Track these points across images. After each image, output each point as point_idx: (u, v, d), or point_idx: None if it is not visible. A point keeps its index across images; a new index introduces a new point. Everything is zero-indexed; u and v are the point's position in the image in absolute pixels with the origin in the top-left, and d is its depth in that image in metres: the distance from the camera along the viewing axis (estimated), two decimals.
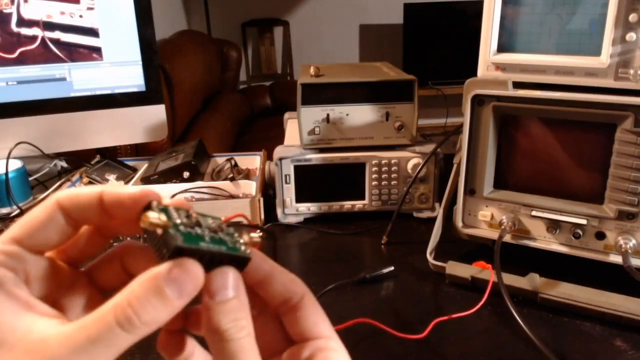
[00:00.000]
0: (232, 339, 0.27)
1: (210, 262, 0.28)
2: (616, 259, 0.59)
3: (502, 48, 0.64)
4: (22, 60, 0.92)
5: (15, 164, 0.90)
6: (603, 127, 0.58)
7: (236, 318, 0.27)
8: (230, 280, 0.28)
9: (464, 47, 3.35)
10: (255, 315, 0.30)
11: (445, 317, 0.56)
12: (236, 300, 0.27)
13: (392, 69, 0.93)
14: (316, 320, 0.30)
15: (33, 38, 0.92)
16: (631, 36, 0.55)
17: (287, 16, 3.86)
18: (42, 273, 0.28)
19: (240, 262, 0.29)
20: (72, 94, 0.97)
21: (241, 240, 0.29)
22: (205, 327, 0.28)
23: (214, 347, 0.27)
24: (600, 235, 0.61)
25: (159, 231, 0.26)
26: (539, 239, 0.65)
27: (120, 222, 0.30)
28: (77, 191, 0.28)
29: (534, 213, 0.63)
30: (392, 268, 0.67)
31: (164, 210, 0.28)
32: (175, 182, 0.91)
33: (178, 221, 0.28)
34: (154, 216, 0.26)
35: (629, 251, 0.57)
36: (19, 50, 0.92)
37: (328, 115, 0.80)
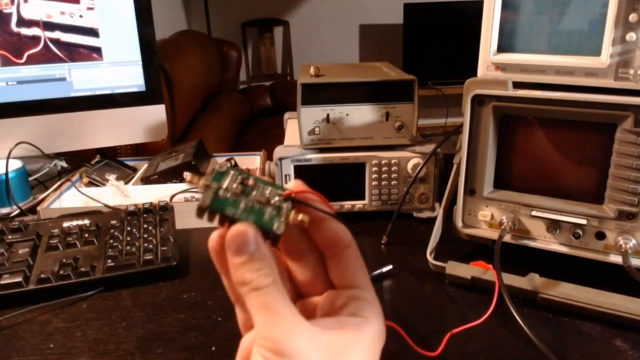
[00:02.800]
0: (259, 287, 0.30)
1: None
2: (616, 259, 0.59)
3: (502, 48, 0.64)
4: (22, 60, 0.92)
5: (15, 164, 0.90)
6: (603, 127, 0.58)
7: (260, 268, 0.30)
8: (249, 237, 0.30)
9: (464, 47, 3.36)
10: (306, 251, 0.34)
11: (458, 329, 0.54)
12: (257, 253, 0.30)
13: (392, 69, 0.93)
14: (355, 271, 0.33)
15: (36, 41, 0.92)
16: (631, 36, 0.55)
17: (287, 16, 3.86)
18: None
19: (273, 236, 0.32)
20: (72, 94, 0.97)
21: (284, 219, 0.32)
22: (234, 282, 0.31)
23: (246, 299, 0.30)
24: (600, 235, 0.61)
25: (199, 188, 0.32)
26: (539, 239, 0.65)
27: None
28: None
29: (534, 213, 0.63)
30: (390, 267, 0.67)
31: (222, 173, 0.33)
32: (175, 182, 0.91)
33: (224, 186, 0.32)
34: (190, 175, 0.32)
35: (629, 251, 0.57)
36: (26, 55, 0.92)
37: (328, 115, 0.80)
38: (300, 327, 0.29)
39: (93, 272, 0.66)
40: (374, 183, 0.81)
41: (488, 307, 0.57)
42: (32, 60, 0.93)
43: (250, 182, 0.33)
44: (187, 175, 0.32)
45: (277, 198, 0.33)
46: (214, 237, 0.32)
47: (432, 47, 3.71)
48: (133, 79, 0.99)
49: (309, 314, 0.34)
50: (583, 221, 0.61)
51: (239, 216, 0.31)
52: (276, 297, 0.30)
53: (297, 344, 0.29)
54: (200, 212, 0.31)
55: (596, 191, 0.60)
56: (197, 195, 0.85)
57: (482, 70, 0.65)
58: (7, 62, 0.92)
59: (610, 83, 0.58)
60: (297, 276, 0.35)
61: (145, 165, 1.03)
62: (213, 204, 0.31)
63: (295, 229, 0.34)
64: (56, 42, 0.93)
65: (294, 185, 0.34)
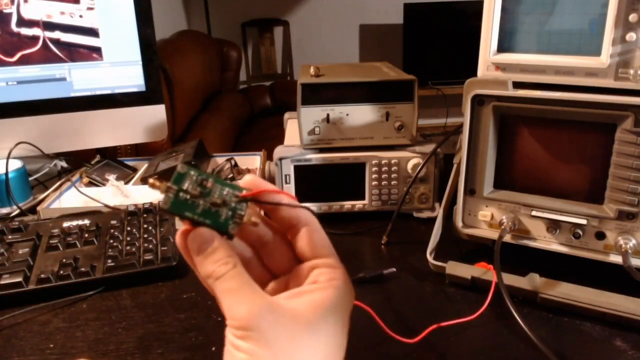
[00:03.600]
0: (220, 275, 0.33)
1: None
2: (616, 259, 0.59)
3: (502, 48, 0.64)
4: (22, 60, 0.92)
5: (15, 164, 0.90)
6: (603, 127, 0.58)
7: (218, 258, 0.33)
8: (207, 237, 0.34)
9: (464, 47, 3.35)
10: (268, 236, 0.38)
11: (447, 323, 0.55)
12: (215, 247, 0.34)
13: (392, 69, 0.93)
14: (316, 244, 0.36)
15: (34, 40, 0.92)
16: (631, 36, 0.55)
17: (287, 16, 3.86)
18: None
19: (227, 235, 0.35)
20: (72, 94, 0.97)
21: (237, 220, 0.34)
22: (200, 276, 0.35)
23: (214, 289, 0.33)
24: (600, 235, 0.61)
25: (161, 192, 0.34)
26: (539, 239, 0.65)
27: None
28: None
29: (534, 213, 0.63)
30: (394, 269, 0.67)
31: (183, 174, 0.34)
32: None
33: (184, 188, 0.34)
34: (152, 181, 0.34)
35: (629, 251, 0.57)
36: (19, 54, 0.91)
37: (328, 115, 0.80)
38: (261, 302, 0.32)
39: (93, 272, 0.66)
40: (374, 183, 0.81)
41: (487, 306, 0.57)
42: (32, 60, 0.93)
43: (209, 184, 0.35)
44: (150, 180, 0.34)
45: (233, 199, 0.35)
46: (178, 235, 0.35)
47: (432, 47, 3.71)
48: (133, 79, 0.99)
49: (282, 290, 0.37)
50: (583, 221, 0.61)
51: (196, 218, 0.34)
52: (236, 280, 0.33)
53: (260, 317, 0.31)
54: (162, 212, 0.34)
55: (596, 191, 0.60)
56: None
57: (482, 70, 0.65)
58: (7, 62, 0.92)
59: (610, 83, 0.58)
60: (266, 258, 0.39)
61: (145, 165, 1.03)
62: (172, 207, 0.34)
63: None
64: (56, 42, 0.93)
65: (248, 182, 0.36)
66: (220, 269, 0.33)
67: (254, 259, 0.38)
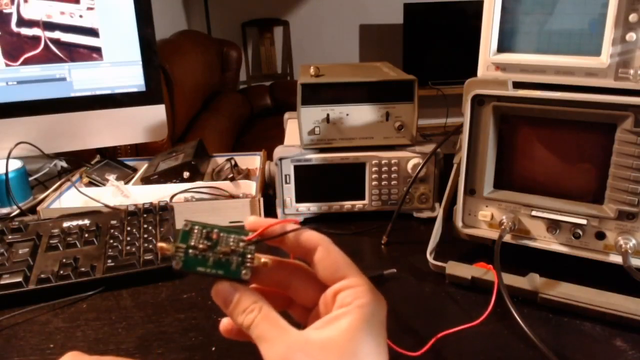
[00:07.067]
0: (249, 324, 0.34)
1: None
2: (616, 259, 0.59)
3: (502, 48, 0.64)
4: (23, 61, 0.92)
5: (15, 164, 0.90)
6: (603, 127, 0.58)
7: (244, 309, 0.35)
8: (227, 291, 0.36)
9: (464, 47, 3.35)
10: (292, 275, 0.39)
11: (451, 330, 0.55)
12: (237, 299, 0.35)
13: (392, 69, 0.93)
14: (333, 265, 0.36)
15: (36, 41, 0.92)
16: (631, 36, 0.55)
17: (287, 16, 3.86)
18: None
19: (242, 282, 0.36)
20: (72, 94, 0.96)
21: (248, 264, 0.35)
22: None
23: (249, 334, 0.35)
24: (600, 235, 0.61)
25: (171, 254, 0.35)
26: (539, 239, 0.65)
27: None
28: None
29: (534, 213, 0.63)
30: (394, 270, 0.67)
31: (188, 231, 0.36)
32: (175, 182, 0.91)
33: (192, 244, 0.35)
34: (161, 244, 0.35)
35: (629, 251, 0.57)
36: (22, 58, 0.92)
37: (328, 115, 0.80)
38: (290, 341, 0.33)
39: (93, 272, 0.66)
40: (374, 183, 0.81)
41: (488, 307, 0.57)
42: (32, 60, 0.93)
43: (214, 235, 0.36)
44: (159, 245, 0.35)
45: (241, 244, 0.36)
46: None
47: (432, 47, 3.71)
48: (133, 79, 0.99)
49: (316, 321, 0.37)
50: (583, 221, 0.61)
51: (209, 271, 0.35)
52: (263, 324, 0.34)
53: (290, 356, 0.32)
54: (176, 273, 0.35)
55: (596, 191, 0.60)
56: (198, 196, 0.86)
57: (482, 70, 0.65)
58: (7, 62, 0.92)
59: (610, 83, 0.58)
60: (296, 297, 0.40)
61: (145, 165, 1.03)
62: (185, 266, 0.35)
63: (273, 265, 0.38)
64: (56, 42, 0.93)
65: (251, 223, 0.37)
66: (248, 318, 0.34)
67: (289, 302, 0.40)
